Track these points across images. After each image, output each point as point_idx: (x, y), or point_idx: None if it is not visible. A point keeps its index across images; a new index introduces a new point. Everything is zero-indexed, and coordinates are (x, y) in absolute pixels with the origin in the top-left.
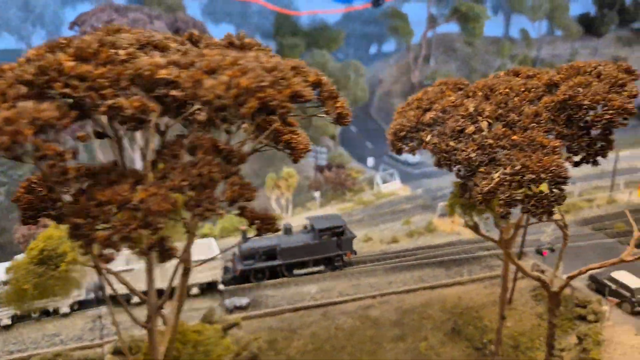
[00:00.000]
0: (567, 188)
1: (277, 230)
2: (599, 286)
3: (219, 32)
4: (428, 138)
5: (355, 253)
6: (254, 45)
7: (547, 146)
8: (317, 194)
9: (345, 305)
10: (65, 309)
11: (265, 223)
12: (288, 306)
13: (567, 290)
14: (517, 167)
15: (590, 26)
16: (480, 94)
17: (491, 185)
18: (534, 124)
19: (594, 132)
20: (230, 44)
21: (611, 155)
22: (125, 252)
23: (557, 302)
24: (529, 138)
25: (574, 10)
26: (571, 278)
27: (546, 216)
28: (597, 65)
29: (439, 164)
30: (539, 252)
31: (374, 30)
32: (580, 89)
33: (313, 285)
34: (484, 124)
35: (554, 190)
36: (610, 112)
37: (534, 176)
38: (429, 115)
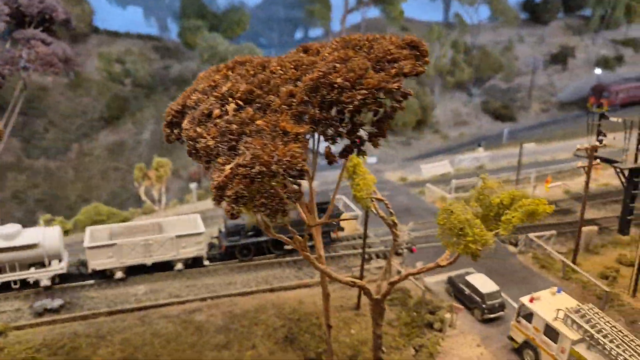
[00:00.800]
0: (471, 181)
1: None
2: (454, 290)
3: (126, 15)
4: (184, 123)
5: (342, 230)
6: None
7: (290, 132)
8: (193, 186)
9: (169, 308)
10: (46, 282)
11: None
12: (102, 309)
13: (420, 294)
14: (248, 158)
15: (534, 13)
16: (252, 72)
17: (221, 178)
18: (285, 107)
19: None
20: None
21: (516, 148)
22: (108, 227)
23: (380, 311)
24: (273, 123)
25: None
26: (394, 284)
27: (280, 216)
28: (374, 38)
29: (189, 154)
30: (409, 249)
31: (299, 15)
32: (337, 65)
33: (142, 286)
34: (230, 107)
35: (289, 185)
36: (363, 92)
37: (264, 168)
38: (193, 98)
